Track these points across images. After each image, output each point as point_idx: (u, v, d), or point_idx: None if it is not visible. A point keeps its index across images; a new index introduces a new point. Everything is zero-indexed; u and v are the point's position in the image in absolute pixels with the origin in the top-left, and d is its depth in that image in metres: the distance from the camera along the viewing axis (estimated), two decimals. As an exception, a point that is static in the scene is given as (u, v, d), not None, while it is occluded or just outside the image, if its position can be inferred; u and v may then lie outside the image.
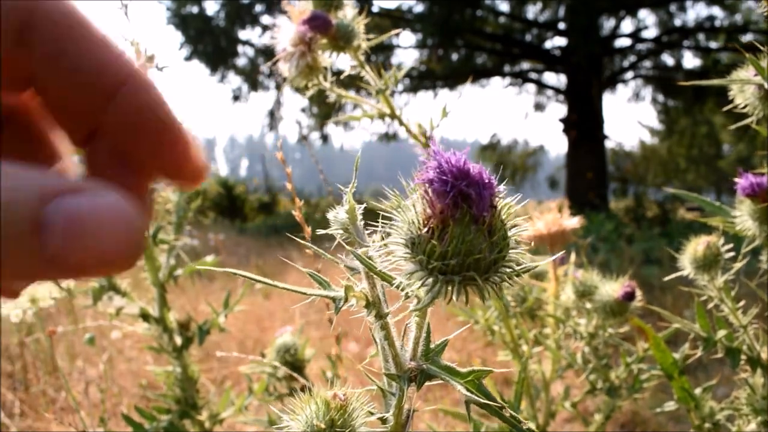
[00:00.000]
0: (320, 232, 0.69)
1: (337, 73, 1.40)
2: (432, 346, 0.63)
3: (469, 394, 0.58)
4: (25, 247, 0.27)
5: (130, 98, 0.34)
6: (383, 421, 0.65)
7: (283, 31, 1.30)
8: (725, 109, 1.08)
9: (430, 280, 0.52)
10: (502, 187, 0.55)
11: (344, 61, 1.39)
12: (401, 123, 1.44)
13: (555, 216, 1.62)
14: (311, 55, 1.27)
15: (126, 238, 0.29)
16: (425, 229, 0.51)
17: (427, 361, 0.62)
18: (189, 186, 0.38)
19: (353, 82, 1.45)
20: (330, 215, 0.67)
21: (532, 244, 1.68)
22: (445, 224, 0.49)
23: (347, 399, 0.64)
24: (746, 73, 1.01)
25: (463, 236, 0.49)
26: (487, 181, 0.48)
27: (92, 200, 0.28)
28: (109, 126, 0.34)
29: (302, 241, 0.71)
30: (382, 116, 1.42)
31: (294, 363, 1.64)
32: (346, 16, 1.32)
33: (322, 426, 0.61)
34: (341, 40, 1.31)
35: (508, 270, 0.52)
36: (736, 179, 1.04)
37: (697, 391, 1.30)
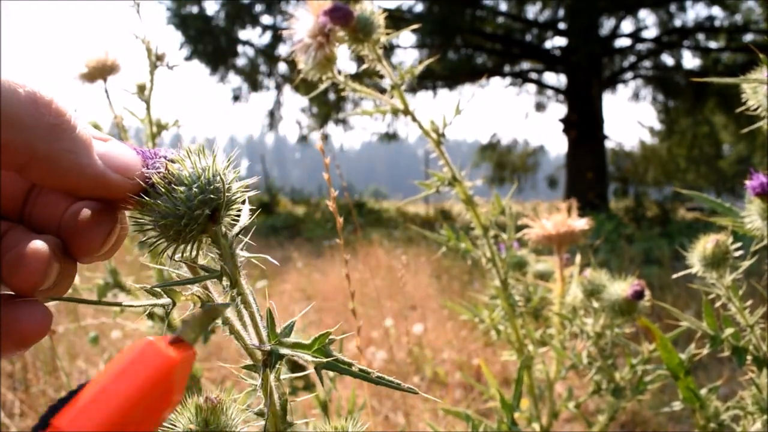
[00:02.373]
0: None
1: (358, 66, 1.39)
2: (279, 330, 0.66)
3: (316, 359, 0.61)
4: None
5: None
6: (261, 414, 0.67)
7: (301, 22, 1.29)
8: (738, 111, 1.07)
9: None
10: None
11: (344, 62, 1.38)
12: (414, 119, 1.43)
13: (564, 217, 1.62)
14: (329, 47, 1.26)
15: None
16: None
17: (275, 343, 0.64)
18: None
19: (359, 78, 1.44)
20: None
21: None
22: None
23: (220, 400, 0.66)
24: (759, 74, 1.01)
25: None
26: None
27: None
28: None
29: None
30: (395, 112, 1.41)
31: (296, 362, 1.64)
32: (365, 9, 1.31)
33: (193, 427, 0.63)
34: (361, 32, 1.30)
35: None
36: (747, 180, 1.03)
37: (702, 391, 1.30)
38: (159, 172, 0.49)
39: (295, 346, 0.63)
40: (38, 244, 0.44)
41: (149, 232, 0.51)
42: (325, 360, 0.62)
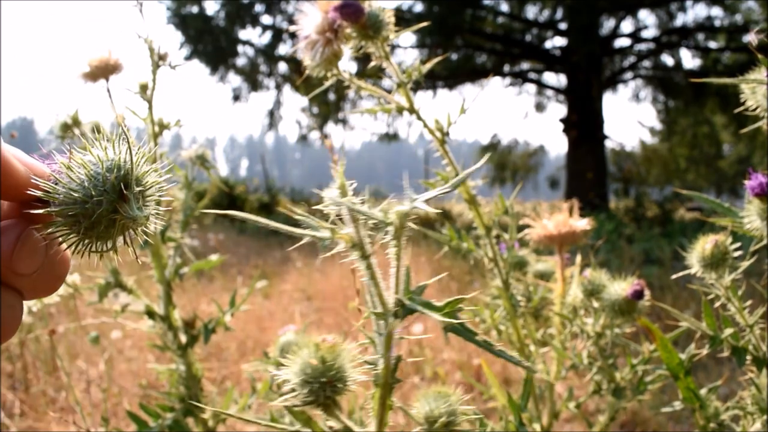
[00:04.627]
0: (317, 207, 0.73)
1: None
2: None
3: (446, 320, 0.64)
4: None
5: None
6: (372, 364, 0.71)
7: (308, 18, 1.27)
8: (737, 111, 1.07)
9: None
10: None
11: (344, 62, 1.37)
12: (419, 118, 1.43)
13: (565, 217, 1.62)
14: (337, 44, 1.25)
15: None
16: None
17: (408, 297, 0.67)
18: None
19: (360, 78, 1.44)
20: (323, 193, 0.71)
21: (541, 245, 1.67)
22: None
23: (336, 341, 0.69)
24: (758, 74, 1.01)
25: None
26: None
27: None
28: None
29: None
30: (400, 110, 1.40)
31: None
32: (373, 6, 1.30)
33: (315, 362, 0.66)
34: (371, 29, 1.29)
35: None
36: (745, 180, 1.04)
37: (702, 391, 1.30)
38: (64, 158, 0.45)
39: (426, 305, 0.66)
40: None
41: (59, 229, 0.44)
42: (452, 322, 0.64)
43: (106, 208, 0.44)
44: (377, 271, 0.69)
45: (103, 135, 0.47)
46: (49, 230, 0.44)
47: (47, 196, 0.44)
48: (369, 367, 0.71)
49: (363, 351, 0.73)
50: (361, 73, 1.44)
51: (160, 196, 0.48)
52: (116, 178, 0.44)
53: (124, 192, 0.44)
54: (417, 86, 1.41)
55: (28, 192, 0.44)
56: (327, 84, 1.35)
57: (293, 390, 0.68)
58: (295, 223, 0.69)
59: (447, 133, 1.44)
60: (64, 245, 0.46)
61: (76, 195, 0.43)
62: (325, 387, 0.66)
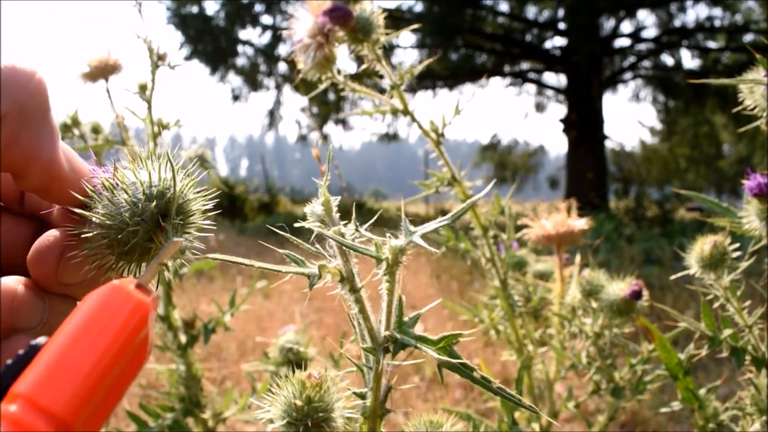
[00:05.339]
0: (299, 225, 0.71)
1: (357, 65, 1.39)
2: (405, 319, 0.67)
3: (441, 357, 0.61)
4: None
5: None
6: (361, 396, 0.68)
7: (300, 22, 1.29)
8: (735, 110, 1.07)
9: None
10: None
11: (344, 61, 1.38)
12: (414, 119, 1.44)
13: (563, 216, 1.62)
14: (328, 47, 1.26)
15: None
16: None
17: (400, 332, 0.65)
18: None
19: (360, 77, 1.44)
20: (306, 209, 0.69)
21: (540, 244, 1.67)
22: None
23: (322, 377, 0.66)
24: (756, 74, 1.01)
25: None
26: None
27: None
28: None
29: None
30: (394, 112, 1.41)
31: (297, 361, 1.64)
32: (364, 10, 1.31)
33: (299, 403, 0.64)
34: (360, 32, 1.30)
35: None
36: (744, 180, 1.04)
37: (701, 391, 1.30)
38: (108, 175, 0.45)
39: (420, 339, 0.64)
40: None
41: (93, 245, 0.44)
42: (449, 360, 0.61)
43: (142, 237, 0.44)
44: (367, 305, 0.67)
45: (150, 154, 0.47)
46: (85, 251, 0.44)
47: (87, 212, 0.45)
48: (357, 401, 0.69)
49: (347, 378, 0.71)
50: (361, 73, 1.45)
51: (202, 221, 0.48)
52: (156, 206, 0.44)
53: (162, 223, 0.44)
54: (413, 87, 1.42)
55: (73, 194, 0.45)
56: (322, 86, 1.36)
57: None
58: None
59: (442, 134, 1.44)
60: (97, 263, 0.46)
61: (113, 222, 0.43)
62: (310, 430, 0.64)
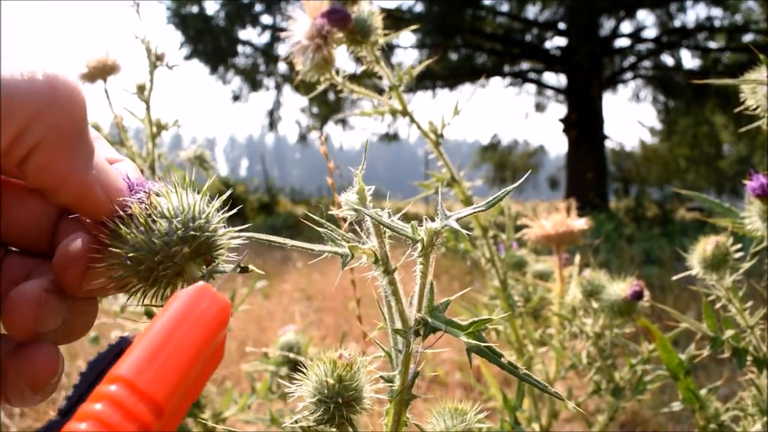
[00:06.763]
0: (333, 212, 0.72)
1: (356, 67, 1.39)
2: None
3: (471, 341, 0.63)
4: None
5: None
6: (389, 381, 0.69)
7: (299, 24, 1.29)
8: (737, 110, 1.07)
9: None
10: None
11: (345, 61, 1.38)
12: (413, 120, 1.43)
13: (563, 216, 1.62)
14: (327, 49, 1.26)
15: None
16: None
17: (431, 315, 0.66)
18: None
19: (360, 77, 1.44)
20: (341, 198, 0.69)
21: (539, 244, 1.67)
22: None
23: (353, 358, 0.68)
24: (758, 74, 1.01)
25: None
26: None
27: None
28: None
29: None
30: (393, 113, 1.41)
31: (297, 361, 1.64)
32: (363, 11, 1.31)
33: (331, 381, 0.65)
34: (359, 34, 1.30)
35: None
36: (746, 181, 1.03)
37: (702, 392, 1.30)
38: (140, 201, 0.45)
39: (450, 323, 0.65)
40: (24, 288, 0.43)
41: (118, 268, 0.45)
42: (478, 344, 0.62)
43: (174, 268, 0.44)
44: (400, 287, 0.67)
45: (186, 183, 0.48)
46: (114, 276, 0.45)
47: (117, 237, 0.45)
48: (385, 383, 0.70)
49: (374, 362, 0.72)
50: (361, 74, 1.45)
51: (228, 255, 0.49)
52: (189, 246, 0.44)
53: (193, 260, 0.45)
54: (416, 87, 1.42)
55: (105, 215, 0.45)
56: (321, 87, 1.36)
57: (307, 408, 0.67)
58: (302, 231, 0.67)
59: (441, 135, 1.44)
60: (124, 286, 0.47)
61: (147, 242, 0.44)
62: (341, 407, 0.65)
